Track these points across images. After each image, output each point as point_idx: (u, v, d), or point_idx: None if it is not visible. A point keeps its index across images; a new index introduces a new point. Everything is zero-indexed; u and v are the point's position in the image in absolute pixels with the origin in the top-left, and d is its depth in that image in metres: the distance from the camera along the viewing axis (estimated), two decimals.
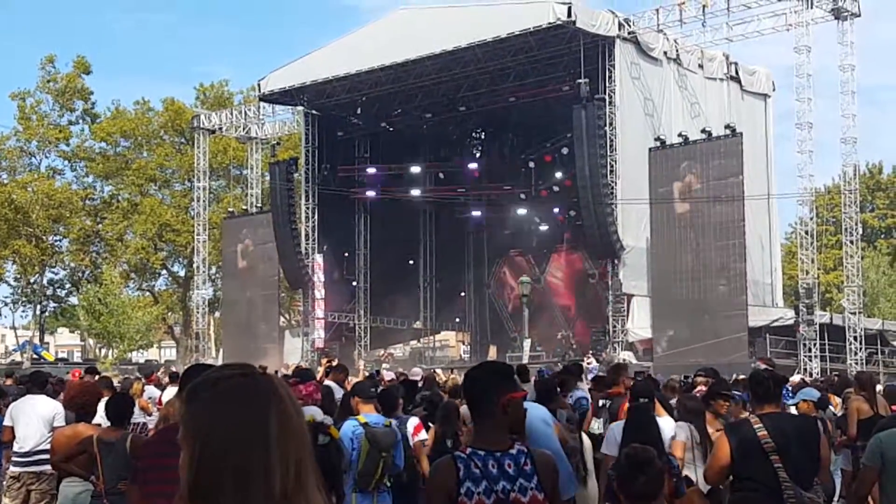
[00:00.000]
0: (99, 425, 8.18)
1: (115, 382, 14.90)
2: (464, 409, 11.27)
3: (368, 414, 8.17)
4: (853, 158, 36.21)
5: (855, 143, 35.42)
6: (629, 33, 36.15)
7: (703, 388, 11.64)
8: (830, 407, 12.64)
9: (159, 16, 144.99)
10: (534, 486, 3.83)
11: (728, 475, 6.33)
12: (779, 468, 5.94)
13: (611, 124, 35.60)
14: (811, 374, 29.13)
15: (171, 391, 13.21)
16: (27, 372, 21.59)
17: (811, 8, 34.15)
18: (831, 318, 36.60)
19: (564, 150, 40.88)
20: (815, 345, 33.47)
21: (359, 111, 45.28)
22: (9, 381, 17.93)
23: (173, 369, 22.66)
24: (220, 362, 43.51)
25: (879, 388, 12.00)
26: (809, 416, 7.44)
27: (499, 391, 3.90)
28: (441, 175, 47.97)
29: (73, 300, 61.09)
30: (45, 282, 60.69)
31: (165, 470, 4.65)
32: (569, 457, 8.96)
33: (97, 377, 13.30)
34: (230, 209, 50.80)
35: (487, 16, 37.38)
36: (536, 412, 8.81)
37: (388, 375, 17.95)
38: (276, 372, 20.96)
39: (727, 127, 34.72)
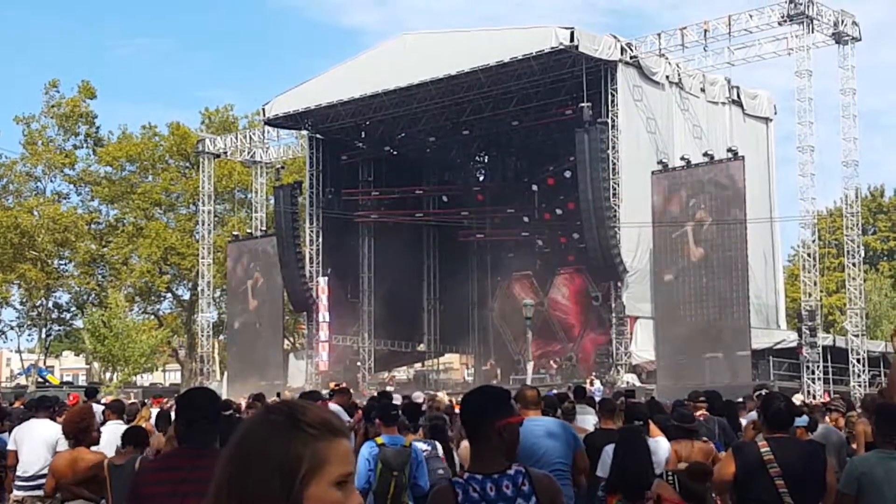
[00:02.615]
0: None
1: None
2: (464, 444, 11.36)
3: (387, 435, 8.28)
4: (855, 181, 36.29)
5: (856, 166, 35.51)
6: (631, 57, 36.36)
7: (705, 413, 11.72)
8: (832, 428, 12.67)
9: (163, 41, 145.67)
10: None
11: (728, 489, 6.38)
12: (783, 492, 5.97)
13: (613, 148, 35.75)
14: (814, 397, 29.11)
15: None
16: (33, 395, 21.71)
17: (812, 32, 34.32)
18: (834, 341, 36.55)
19: (567, 174, 41.04)
20: (818, 367, 33.41)
21: (363, 135, 45.54)
22: (17, 404, 18.03)
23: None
24: (224, 386, 43.61)
25: None
26: (817, 442, 7.49)
27: (495, 416, 3.95)
28: (444, 198, 48.14)
29: (78, 323, 61.16)
30: (50, 305, 60.82)
31: (167, 497, 4.69)
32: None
33: (110, 401, 13.27)
34: (235, 233, 50.95)
35: (490, 40, 37.64)
36: (541, 424, 8.84)
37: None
38: (278, 395, 20.99)
39: (729, 150, 34.84)
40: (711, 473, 5.23)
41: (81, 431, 7.89)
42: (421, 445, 8.58)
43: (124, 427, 9.39)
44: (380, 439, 8.21)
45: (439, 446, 9.05)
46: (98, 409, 13.95)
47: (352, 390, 18.26)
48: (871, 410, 10.66)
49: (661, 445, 8.77)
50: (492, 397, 4.14)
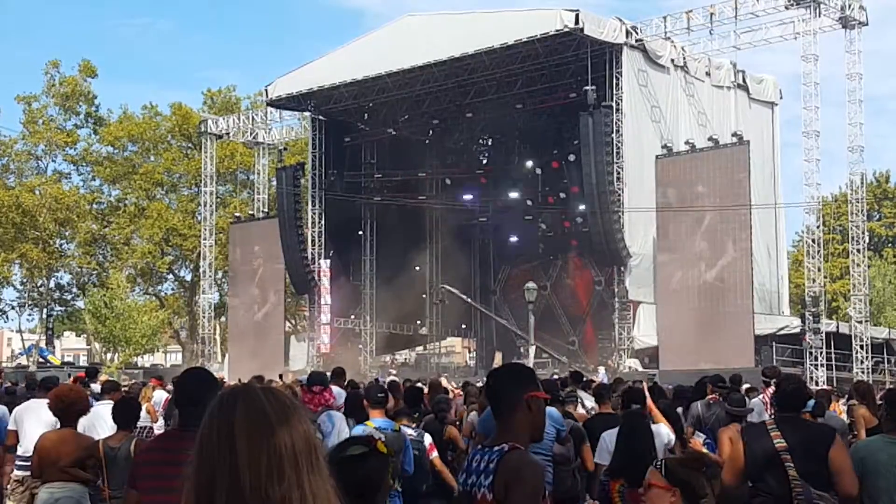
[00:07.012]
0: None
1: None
2: (471, 416, 11.28)
3: (377, 419, 8.16)
4: (860, 167, 36.14)
5: (862, 151, 35.35)
6: (636, 41, 36.15)
7: (713, 397, 11.66)
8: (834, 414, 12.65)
9: (165, 21, 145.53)
10: (485, 486, 3.83)
11: (744, 477, 6.32)
12: (792, 473, 5.98)
13: (618, 131, 35.59)
14: (817, 383, 29.07)
15: None
16: (34, 375, 21.64)
17: (819, 17, 34.12)
18: (838, 327, 36.53)
19: (571, 157, 40.90)
20: (821, 353, 33.40)
21: (366, 117, 45.37)
22: (23, 384, 17.94)
23: None
24: (225, 367, 43.61)
25: None
26: (826, 425, 7.45)
27: (522, 389, 3.95)
28: (447, 181, 48.01)
29: (80, 304, 61.19)
30: (51, 285, 60.81)
31: (163, 478, 4.60)
32: (559, 464, 8.98)
33: (103, 382, 13.17)
34: (237, 214, 50.88)
35: (495, 23, 37.41)
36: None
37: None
38: (280, 377, 20.91)
39: (734, 135, 34.71)
40: (705, 463, 5.15)
41: (66, 410, 7.75)
42: (408, 431, 8.46)
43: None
44: (371, 423, 8.06)
45: (427, 436, 8.90)
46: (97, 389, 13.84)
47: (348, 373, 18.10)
48: (863, 396, 10.66)
49: (661, 431, 8.69)
50: (519, 371, 4.22)
